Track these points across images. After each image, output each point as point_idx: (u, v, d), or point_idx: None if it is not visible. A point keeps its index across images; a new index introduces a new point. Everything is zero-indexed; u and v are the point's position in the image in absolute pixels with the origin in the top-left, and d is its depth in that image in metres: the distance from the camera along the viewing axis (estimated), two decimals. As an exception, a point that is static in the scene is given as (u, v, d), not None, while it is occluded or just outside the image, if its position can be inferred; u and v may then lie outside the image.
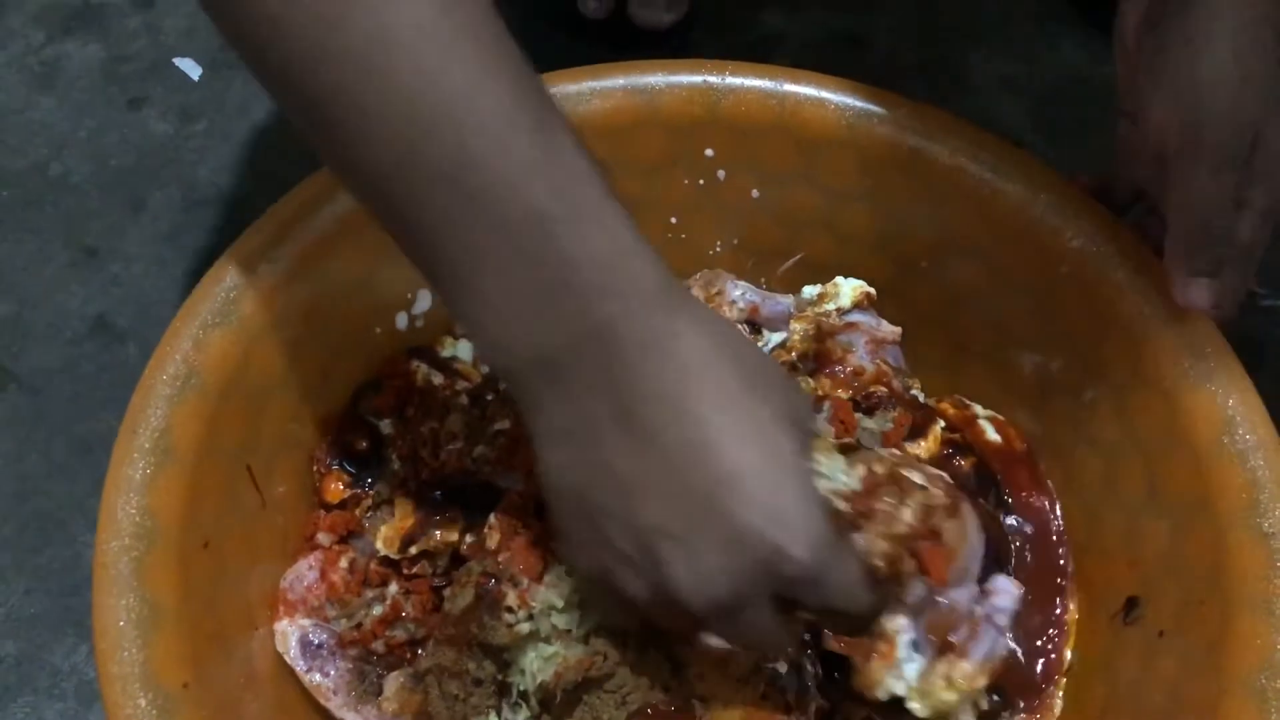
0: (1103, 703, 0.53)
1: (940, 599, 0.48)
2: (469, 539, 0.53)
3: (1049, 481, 0.59)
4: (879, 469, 0.48)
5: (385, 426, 0.58)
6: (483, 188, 0.40)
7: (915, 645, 0.49)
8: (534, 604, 0.48)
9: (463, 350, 0.61)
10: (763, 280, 0.65)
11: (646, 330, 0.41)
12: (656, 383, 0.41)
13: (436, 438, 0.55)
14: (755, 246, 0.65)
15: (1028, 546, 0.57)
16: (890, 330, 0.61)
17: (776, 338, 0.61)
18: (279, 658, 0.53)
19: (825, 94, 0.60)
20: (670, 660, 0.49)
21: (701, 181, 0.63)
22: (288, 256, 0.54)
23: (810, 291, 0.62)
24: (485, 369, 0.58)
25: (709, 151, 0.62)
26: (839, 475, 0.47)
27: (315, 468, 0.57)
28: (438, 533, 0.54)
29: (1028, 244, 0.57)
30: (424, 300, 0.60)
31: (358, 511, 0.56)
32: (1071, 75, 0.87)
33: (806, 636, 0.50)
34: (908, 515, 0.47)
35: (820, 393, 0.58)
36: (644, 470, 0.41)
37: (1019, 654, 0.54)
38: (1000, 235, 0.58)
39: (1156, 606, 0.51)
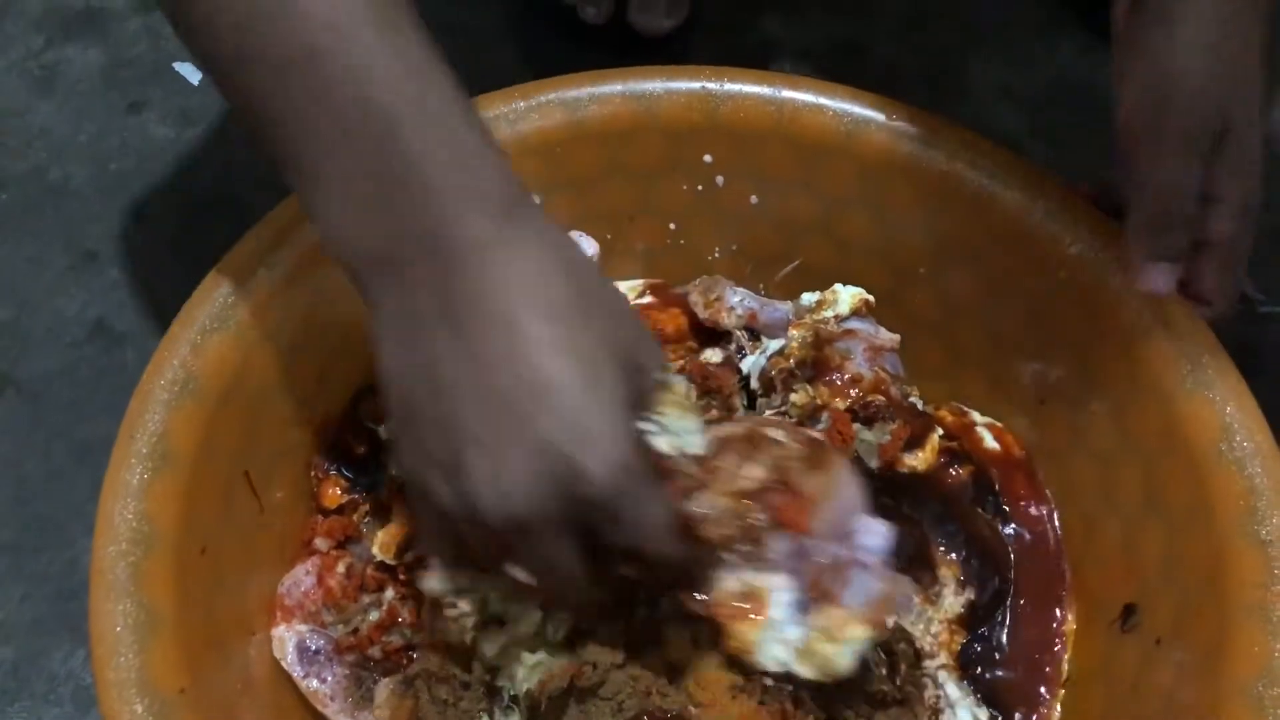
0: (1100, 710, 0.52)
1: (820, 558, 0.47)
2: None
3: (1047, 490, 0.59)
4: (736, 430, 0.48)
5: (383, 431, 0.58)
6: (328, 80, 0.41)
7: (801, 606, 0.48)
8: (464, 606, 0.48)
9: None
10: (761, 287, 0.65)
11: (480, 234, 0.41)
12: (482, 286, 0.41)
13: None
14: (754, 253, 0.65)
15: (1026, 557, 0.57)
16: (889, 337, 0.61)
17: (775, 344, 0.61)
18: (276, 663, 0.53)
19: (824, 100, 0.60)
20: (667, 668, 0.49)
21: (700, 188, 0.63)
22: (286, 262, 0.54)
23: (809, 298, 0.62)
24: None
25: (708, 158, 0.62)
26: (688, 436, 0.45)
27: (313, 473, 0.57)
28: (435, 538, 0.54)
29: (1026, 250, 0.57)
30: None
31: (355, 517, 0.56)
32: (1070, 81, 0.87)
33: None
34: (756, 471, 0.47)
35: (819, 401, 0.58)
36: (460, 373, 0.41)
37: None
38: (998, 241, 0.58)
39: (1154, 614, 0.51)
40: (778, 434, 0.49)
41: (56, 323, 0.74)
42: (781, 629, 0.48)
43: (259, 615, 0.53)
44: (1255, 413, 0.50)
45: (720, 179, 0.63)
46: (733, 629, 0.48)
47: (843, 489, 0.49)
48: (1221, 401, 0.51)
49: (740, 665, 0.49)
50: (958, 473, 0.58)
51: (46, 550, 0.67)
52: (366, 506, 0.56)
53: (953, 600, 0.55)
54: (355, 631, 0.53)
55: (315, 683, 0.52)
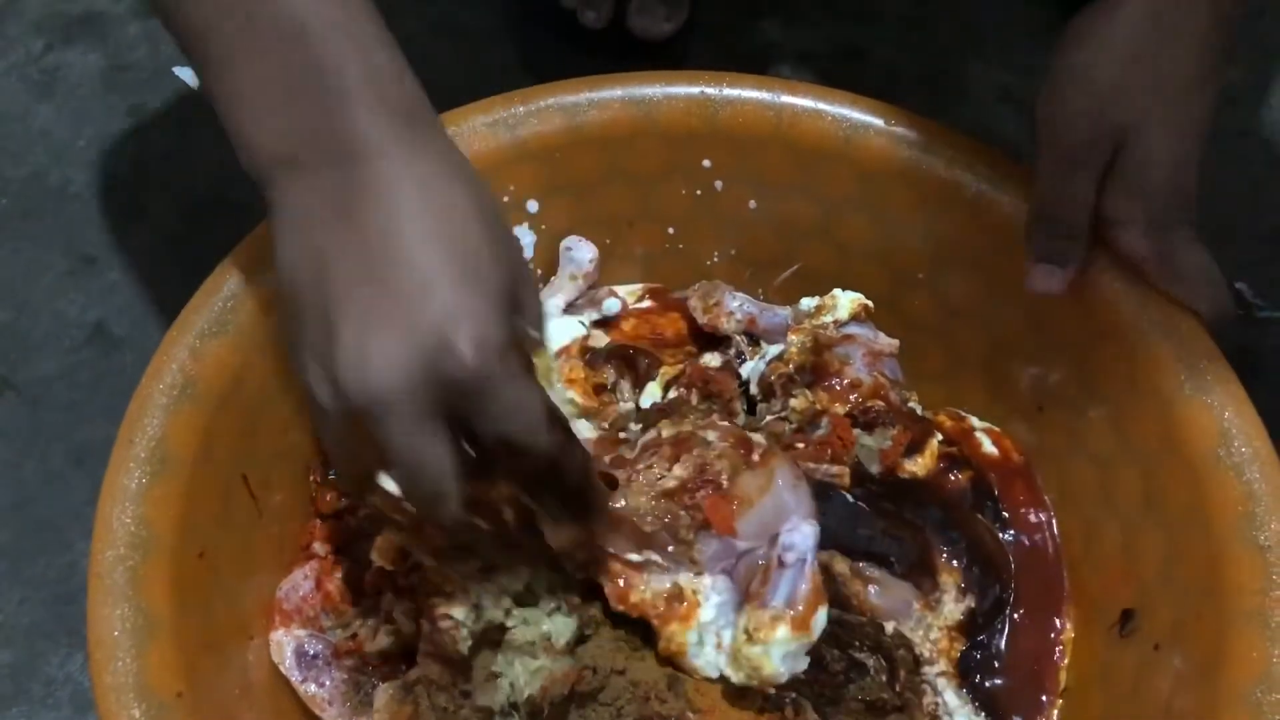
0: (1099, 716, 0.52)
1: (755, 558, 0.47)
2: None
3: (1046, 496, 0.59)
4: (666, 433, 0.49)
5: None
6: None
7: (736, 608, 0.47)
8: (457, 614, 0.48)
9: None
10: (760, 291, 0.65)
11: (382, 141, 0.42)
12: (379, 187, 0.42)
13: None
14: (753, 257, 0.65)
15: (1025, 564, 0.57)
16: (887, 343, 0.61)
17: (774, 350, 0.61)
18: (274, 668, 0.53)
19: (823, 105, 0.60)
20: (666, 674, 0.49)
21: (699, 192, 0.63)
22: (285, 266, 0.53)
23: (808, 303, 0.62)
24: None
25: (706, 162, 0.62)
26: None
27: (311, 477, 0.57)
28: (434, 543, 0.54)
29: (1024, 255, 0.57)
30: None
31: (353, 521, 0.56)
32: (1070, 86, 0.87)
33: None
34: (680, 470, 0.47)
35: (818, 407, 0.58)
36: (345, 263, 0.42)
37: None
38: (997, 246, 0.58)
39: (1152, 619, 0.51)
40: (710, 435, 0.49)
41: (56, 326, 0.75)
42: (712, 631, 0.48)
43: (257, 619, 0.53)
44: (1253, 418, 0.50)
45: (719, 184, 0.63)
46: (664, 630, 0.48)
47: (780, 490, 0.49)
48: (1220, 406, 0.51)
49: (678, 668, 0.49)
50: (957, 478, 0.58)
51: (45, 554, 0.67)
52: (365, 511, 0.56)
53: (953, 607, 0.55)
54: (354, 636, 0.53)
55: (313, 687, 0.52)
